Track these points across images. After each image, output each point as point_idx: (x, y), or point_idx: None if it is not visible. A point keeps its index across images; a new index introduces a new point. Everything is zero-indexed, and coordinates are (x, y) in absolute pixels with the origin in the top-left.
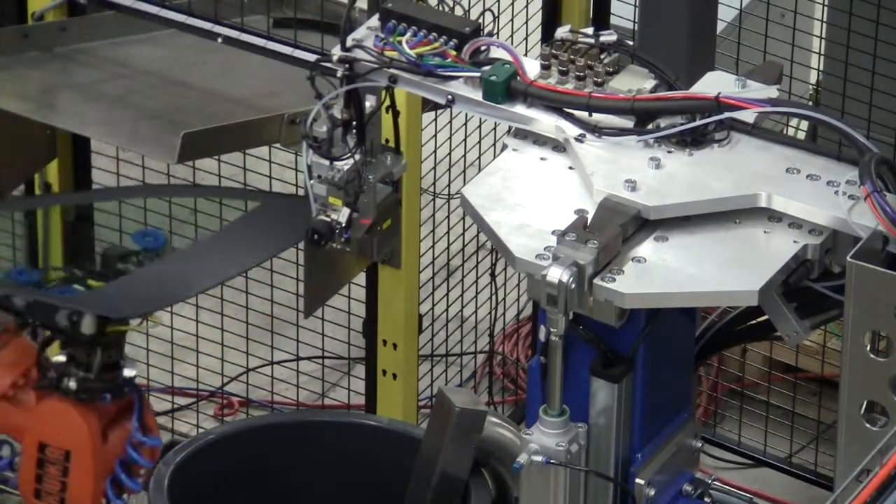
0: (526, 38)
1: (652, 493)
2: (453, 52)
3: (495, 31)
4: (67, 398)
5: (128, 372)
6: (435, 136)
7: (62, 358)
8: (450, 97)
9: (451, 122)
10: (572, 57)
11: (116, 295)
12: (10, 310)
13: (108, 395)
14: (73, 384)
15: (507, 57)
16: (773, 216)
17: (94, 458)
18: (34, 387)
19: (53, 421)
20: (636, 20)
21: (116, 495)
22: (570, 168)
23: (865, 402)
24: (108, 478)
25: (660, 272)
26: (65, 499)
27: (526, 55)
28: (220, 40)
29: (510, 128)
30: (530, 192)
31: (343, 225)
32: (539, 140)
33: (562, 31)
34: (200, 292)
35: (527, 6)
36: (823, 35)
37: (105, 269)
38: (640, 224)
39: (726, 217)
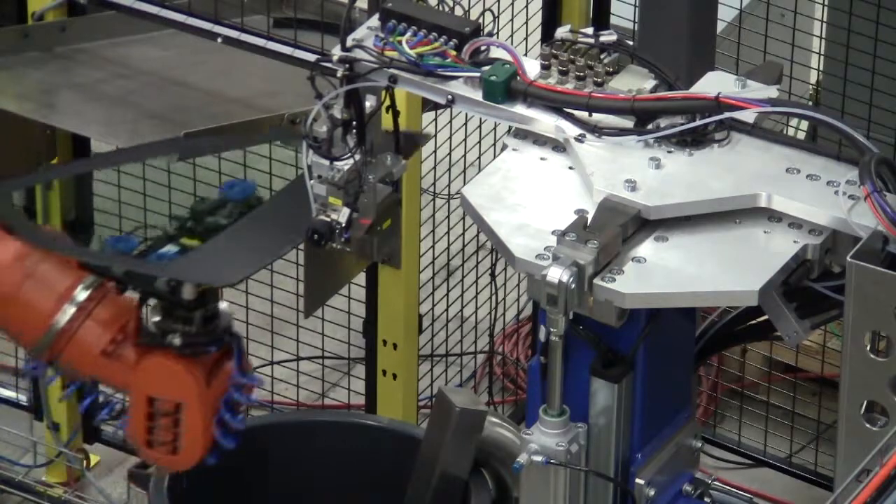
0: (526, 38)
1: (652, 493)
2: (453, 52)
3: (495, 31)
4: (172, 353)
5: (226, 320)
6: (435, 136)
7: (157, 316)
8: (450, 97)
9: (451, 122)
10: (572, 57)
11: (214, 258)
12: (109, 278)
13: (213, 346)
14: (177, 340)
15: (507, 57)
16: (773, 216)
17: (204, 406)
18: (137, 343)
19: (161, 376)
20: (636, 20)
21: (223, 434)
22: (570, 168)
23: (865, 402)
24: (215, 418)
25: (660, 272)
26: (178, 447)
27: (526, 55)
28: (220, 40)
29: (510, 128)
30: (530, 192)
31: (343, 225)
32: (539, 140)
33: (562, 31)
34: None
35: (527, 6)
36: (823, 35)
37: (195, 224)
38: (640, 224)
39: (726, 217)
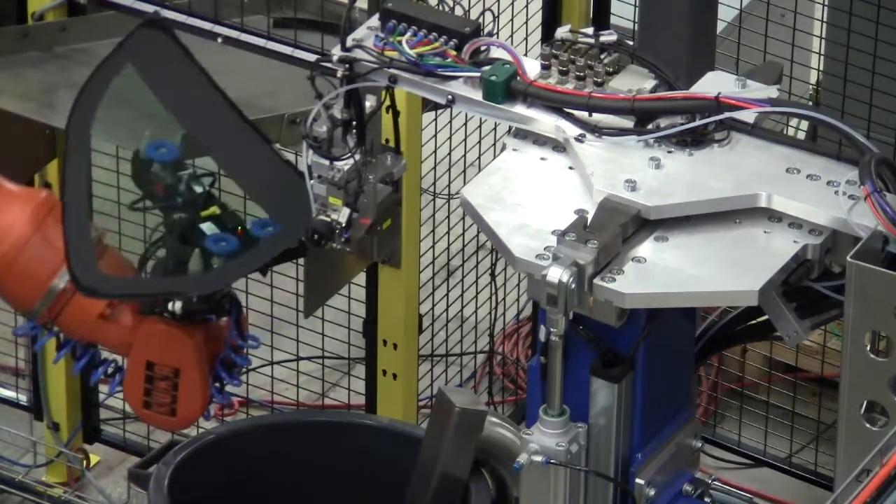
0: (526, 38)
1: (652, 493)
2: (453, 52)
3: (495, 31)
4: (172, 319)
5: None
6: (435, 136)
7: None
8: (450, 97)
9: (451, 122)
10: (572, 57)
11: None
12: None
13: (213, 315)
14: (177, 307)
15: (507, 57)
16: (773, 216)
17: (202, 370)
18: (139, 311)
19: (161, 342)
20: (636, 20)
21: (219, 392)
22: (570, 168)
23: (865, 402)
24: (211, 376)
25: (660, 272)
26: (175, 409)
27: (526, 55)
28: (220, 40)
29: (510, 128)
30: (530, 192)
31: (343, 225)
32: (539, 140)
33: (562, 31)
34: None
35: (527, 6)
36: (823, 35)
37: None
38: (640, 224)
39: (726, 217)
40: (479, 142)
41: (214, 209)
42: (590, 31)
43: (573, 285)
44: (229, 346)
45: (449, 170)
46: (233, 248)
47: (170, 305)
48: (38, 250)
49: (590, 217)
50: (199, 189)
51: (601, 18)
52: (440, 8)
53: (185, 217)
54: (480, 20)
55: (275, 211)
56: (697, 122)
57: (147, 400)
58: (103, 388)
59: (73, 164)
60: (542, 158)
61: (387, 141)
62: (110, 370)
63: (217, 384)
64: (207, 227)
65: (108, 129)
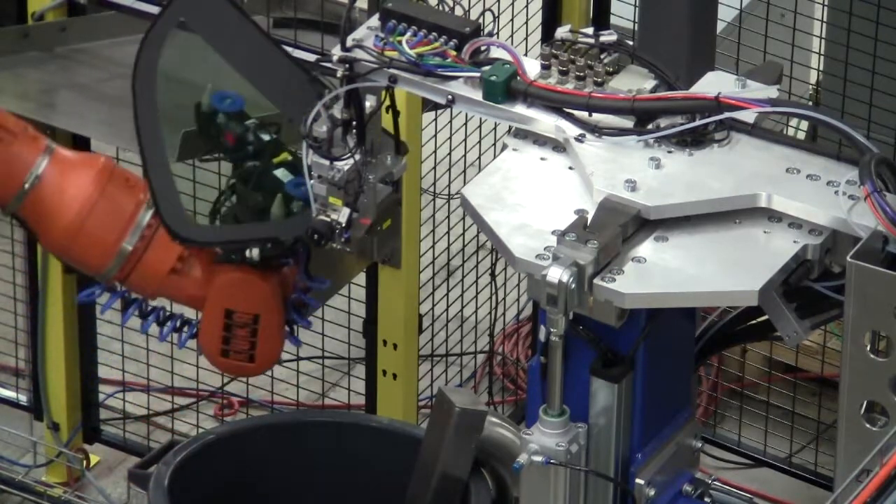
0: (526, 38)
1: (652, 493)
2: (453, 52)
3: (495, 31)
4: (249, 266)
5: None
6: (435, 136)
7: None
8: (450, 97)
9: (451, 122)
10: (572, 57)
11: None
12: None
13: (289, 259)
14: (255, 254)
15: (507, 57)
16: (773, 216)
17: (280, 315)
18: (216, 260)
19: (240, 290)
20: (636, 20)
21: (290, 333)
22: (570, 168)
23: (865, 402)
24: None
25: (660, 272)
26: (254, 355)
27: (526, 55)
28: None
29: (510, 128)
30: (530, 192)
31: (343, 225)
32: (539, 140)
33: (562, 31)
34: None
35: (527, 6)
36: (823, 35)
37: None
38: (640, 224)
39: (726, 217)
40: (479, 142)
41: (286, 155)
42: (590, 31)
43: (573, 285)
44: (299, 288)
45: (449, 170)
46: None
47: (247, 253)
48: (104, 214)
49: (590, 217)
50: (266, 137)
51: (601, 18)
52: (440, 8)
53: (258, 165)
54: (480, 20)
55: None
56: (697, 122)
57: (225, 348)
58: (104, 389)
59: (144, 120)
60: (542, 158)
61: (385, 131)
62: (178, 324)
63: (288, 327)
64: (282, 174)
65: (172, 83)
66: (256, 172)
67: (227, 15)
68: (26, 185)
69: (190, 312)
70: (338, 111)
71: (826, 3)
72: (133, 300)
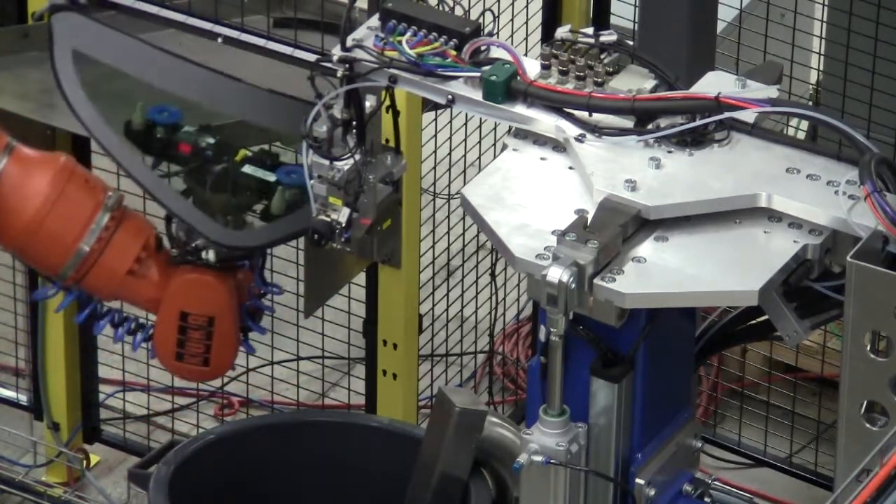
0: (526, 38)
1: (652, 493)
2: (453, 52)
3: (495, 31)
4: (205, 268)
5: None
6: (435, 136)
7: (183, 232)
8: (450, 97)
9: (451, 122)
10: (572, 57)
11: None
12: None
13: (245, 261)
14: (211, 256)
15: (507, 57)
16: (773, 216)
17: (235, 317)
18: (171, 261)
19: (196, 291)
20: (636, 20)
21: (244, 339)
22: (570, 168)
23: (865, 402)
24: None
25: (660, 272)
26: (209, 358)
27: (526, 55)
28: (220, 40)
29: (510, 128)
30: (530, 192)
31: (343, 225)
32: (539, 140)
33: (562, 31)
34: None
35: (527, 6)
36: (823, 35)
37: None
38: (640, 224)
39: (726, 217)
40: (479, 142)
41: (244, 151)
42: (590, 31)
43: (573, 285)
44: (253, 293)
45: (449, 170)
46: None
47: (203, 254)
48: (63, 214)
49: (590, 217)
50: (212, 140)
51: (601, 18)
52: (440, 8)
53: (224, 167)
54: (480, 20)
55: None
56: (697, 122)
57: (179, 352)
58: (104, 389)
59: (119, 151)
60: (542, 158)
61: (387, 141)
62: (133, 326)
63: (242, 333)
64: (251, 169)
65: (107, 110)
66: (226, 174)
67: (114, 37)
68: None
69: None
70: (338, 111)
71: (826, 3)
72: (88, 301)
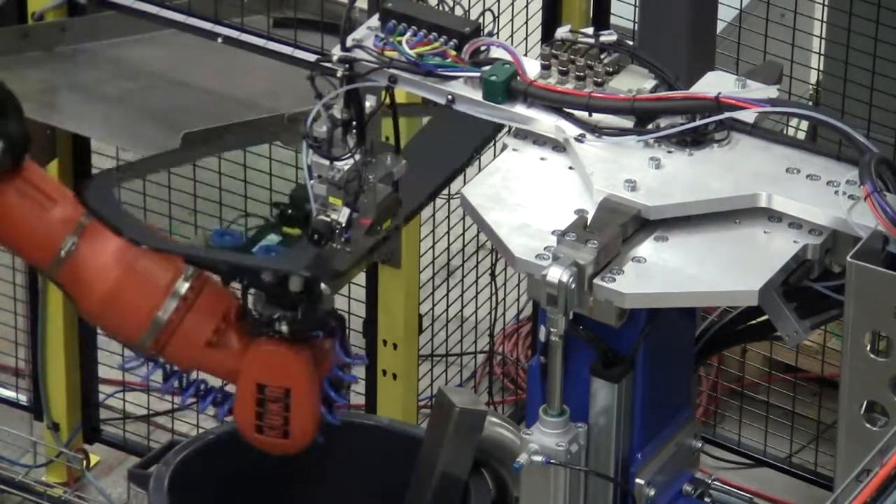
0: (526, 38)
1: (652, 493)
2: (453, 52)
3: (495, 31)
4: (280, 340)
5: (329, 303)
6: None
7: (261, 303)
8: (450, 97)
9: None
10: (572, 57)
11: (319, 249)
12: (216, 271)
13: (319, 332)
14: (284, 327)
15: (507, 57)
16: (773, 216)
17: (313, 389)
18: (245, 332)
19: (270, 363)
20: (636, 20)
21: (328, 411)
22: (570, 168)
23: (865, 402)
24: (320, 397)
25: (660, 272)
26: (289, 430)
27: (526, 55)
28: (220, 40)
29: (510, 128)
30: (530, 192)
31: (343, 225)
32: (539, 140)
33: (562, 31)
34: (406, 220)
35: (527, 6)
36: (823, 35)
37: (295, 212)
38: (640, 224)
39: (726, 217)
40: None
41: (297, 230)
42: (590, 31)
43: (573, 285)
44: (336, 364)
45: None
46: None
47: (277, 325)
48: (139, 284)
49: (590, 217)
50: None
51: (601, 18)
52: (440, 8)
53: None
54: (480, 20)
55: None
56: (697, 122)
57: (259, 424)
58: (104, 389)
59: (136, 232)
60: (542, 158)
61: (387, 138)
62: (218, 398)
63: (326, 404)
64: (271, 238)
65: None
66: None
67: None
68: (62, 253)
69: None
70: (338, 111)
71: (826, 3)
72: (174, 372)
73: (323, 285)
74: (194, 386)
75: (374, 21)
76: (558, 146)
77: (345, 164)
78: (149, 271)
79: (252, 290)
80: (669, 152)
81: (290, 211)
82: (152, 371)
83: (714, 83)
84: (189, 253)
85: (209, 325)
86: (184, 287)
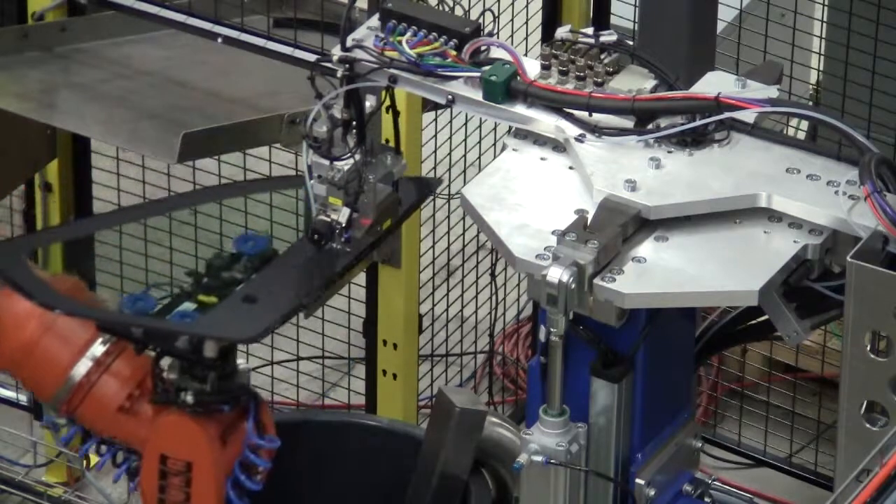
0: (526, 38)
1: (652, 493)
2: (453, 52)
3: (495, 31)
4: (185, 411)
5: (243, 378)
6: (435, 136)
7: (174, 373)
8: (450, 97)
9: (451, 122)
10: (572, 57)
11: (234, 313)
12: (128, 339)
13: (226, 406)
14: (189, 398)
15: (507, 57)
16: (773, 216)
17: (216, 467)
18: (151, 400)
19: (173, 434)
20: (636, 20)
21: (238, 497)
22: (570, 168)
23: (865, 402)
24: (229, 480)
25: (660, 272)
26: None
27: (526, 55)
28: (220, 40)
29: (510, 128)
30: (530, 192)
31: (343, 225)
32: (539, 140)
33: (562, 31)
34: (320, 302)
35: (527, 6)
36: (823, 35)
37: (211, 280)
38: (640, 224)
39: (726, 217)
40: (479, 142)
41: (213, 298)
42: (590, 31)
43: (573, 285)
44: (248, 447)
45: (449, 170)
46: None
47: (183, 396)
48: (54, 338)
49: (590, 217)
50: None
51: (601, 18)
52: (440, 8)
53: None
54: (480, 20)
55: None
56: (697, 122)
57: (161, 497)
58: None
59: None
60: (542, 158)
61: (387, 141)
62: (133, 467)
63: (235, 489)
64: (186, 306)
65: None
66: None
67: None
68: None
69: None
70: (338, 111)
71: (826, 3)
72: (90, 435)
73: (240, 361)
74: (110, 452)
75: (374, 21)
76: (558, 146)
77: (345, 164)
78: (66, 329)
79: (168, 359)
80: (669, 152)
81: (205, 279)
82: (72, 434)
83: (714, 83)
84: (101, 318)
85: (123, 391)
86: (100, 349)
